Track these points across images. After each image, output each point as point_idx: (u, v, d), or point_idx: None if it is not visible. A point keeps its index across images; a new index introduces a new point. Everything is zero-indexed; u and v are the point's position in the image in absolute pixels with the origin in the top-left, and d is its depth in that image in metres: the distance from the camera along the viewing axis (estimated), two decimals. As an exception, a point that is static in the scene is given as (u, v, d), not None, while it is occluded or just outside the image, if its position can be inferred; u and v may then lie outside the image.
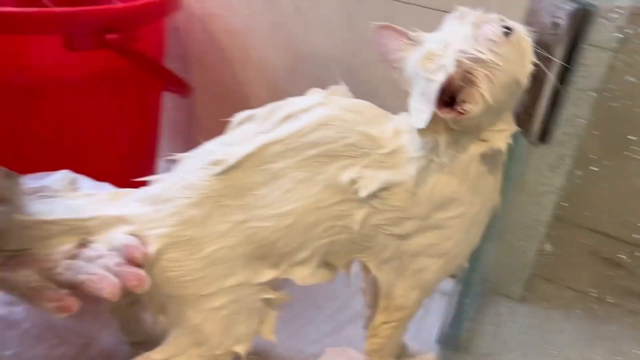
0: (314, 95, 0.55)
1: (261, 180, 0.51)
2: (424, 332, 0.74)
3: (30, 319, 0.70)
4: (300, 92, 0.55)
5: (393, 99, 0.53)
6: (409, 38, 0.52)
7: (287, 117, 0.52)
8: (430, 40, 0.50)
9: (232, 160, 0.50)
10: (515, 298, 0.78)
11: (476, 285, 0.65)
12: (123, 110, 0.77)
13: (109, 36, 0.65)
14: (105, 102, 0.74)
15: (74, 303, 0.46)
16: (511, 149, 0.59)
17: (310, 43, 0.84)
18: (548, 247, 0.66)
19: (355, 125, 0.52)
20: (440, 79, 0.46)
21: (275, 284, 0.55)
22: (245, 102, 0.94)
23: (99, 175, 0.57)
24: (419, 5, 0.74)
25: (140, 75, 0.74)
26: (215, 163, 0.51)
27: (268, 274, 0.53)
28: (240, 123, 0.54)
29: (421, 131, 0.49)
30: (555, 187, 0.64)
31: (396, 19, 0.76)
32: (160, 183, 0.53)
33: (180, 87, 0.79)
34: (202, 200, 0.50)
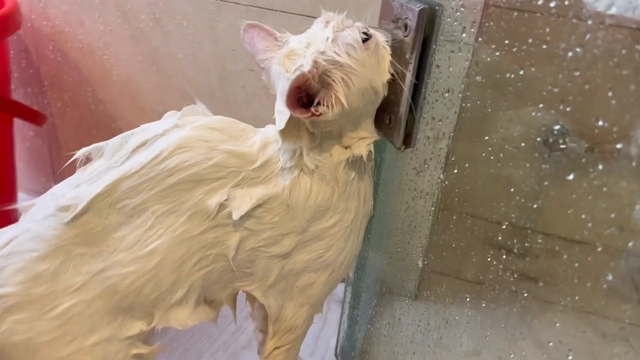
0: (170, 118, 0.50)
1: (118, 221, 0.46)
2: (323, 345, 0.72)
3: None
4: (170, 108, 0.50)
5: (272, 107, 0.50)
6: (276, 39, 0.50)
7: (140, 146, 0.47)
8: (295, 41, 0.48)
9: (81, 204, 0.45)
10: (409, 296, 0.78)
11: (365, 293, 0.64)
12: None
13: None
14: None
15: None
16: (381, 155, 0.57)
17: (173, 56, 0.78)
18: (420, 262, 0.66)
19: (217, 144, 0.48)
20: (294, 77, 0.44)
21: (146, 336, 0.50)
22: (110, 123, 0.87)
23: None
24: (280, 11, 0.71)
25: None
26: (64, 209, 0.45)
27: (137, 326, 0.48)
28: (88, 158, 0.49)
29: (283, 134, 0.47)
30: (422, 190, 0.63)
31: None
32: (3, 236, 0.47)
33: (31, 115, 0.71)
34: (52, 252, 0.45)
